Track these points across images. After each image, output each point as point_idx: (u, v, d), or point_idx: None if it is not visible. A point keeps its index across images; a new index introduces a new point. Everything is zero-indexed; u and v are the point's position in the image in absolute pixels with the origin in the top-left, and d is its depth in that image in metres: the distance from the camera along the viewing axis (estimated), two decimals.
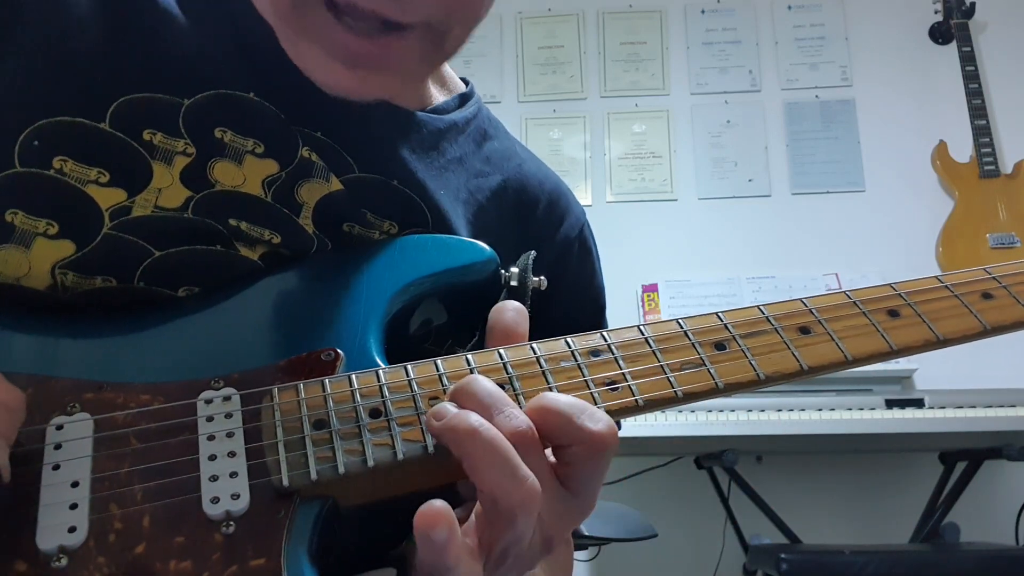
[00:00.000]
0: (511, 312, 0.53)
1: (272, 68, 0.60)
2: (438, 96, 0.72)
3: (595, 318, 0.75)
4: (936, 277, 0.56)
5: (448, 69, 0.75)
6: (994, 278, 0.56)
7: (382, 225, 0.61)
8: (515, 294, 0.61)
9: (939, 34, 3.09)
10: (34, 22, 0.55)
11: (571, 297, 0.72)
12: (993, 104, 2.99)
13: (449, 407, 0.45)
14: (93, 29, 0.56)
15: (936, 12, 3.09)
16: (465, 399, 0.45)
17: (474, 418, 0.44)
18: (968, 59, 2.95)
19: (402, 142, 0.64)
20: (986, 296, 0.55)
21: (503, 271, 0.61)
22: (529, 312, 0.60)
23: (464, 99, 0.73)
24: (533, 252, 0.64)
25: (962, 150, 2.96)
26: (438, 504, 0.42)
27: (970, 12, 3.01)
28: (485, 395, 0.45)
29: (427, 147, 0.66)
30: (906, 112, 3.04)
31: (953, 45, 3.00)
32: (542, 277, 0.62)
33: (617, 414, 0.49)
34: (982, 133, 2.92)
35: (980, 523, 2.48)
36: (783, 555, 1.99)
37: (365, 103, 0.62)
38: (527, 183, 0.72)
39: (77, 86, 0.54)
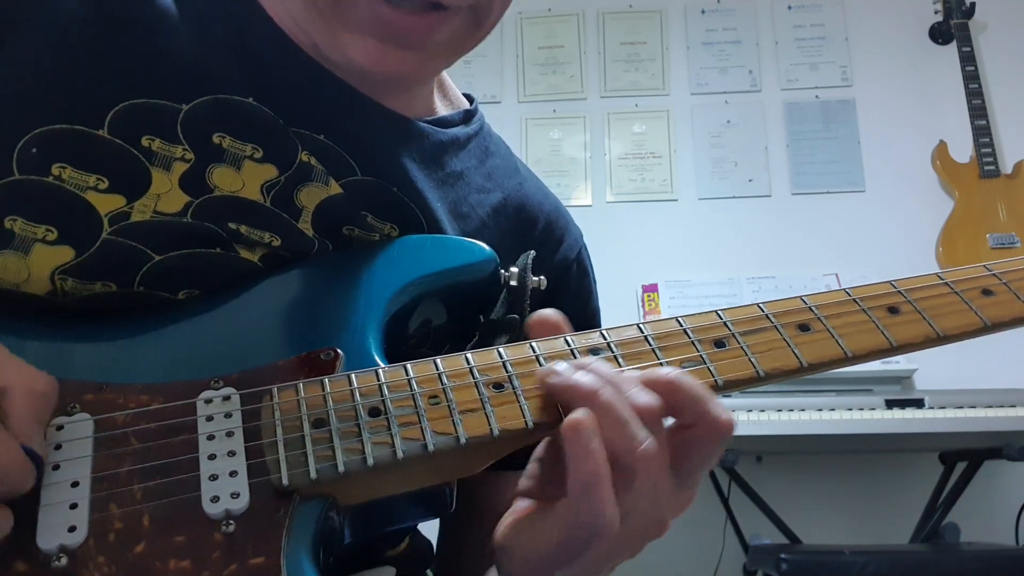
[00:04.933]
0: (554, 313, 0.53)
1: (275, 70, 0.60)
2: (441, 108, 0.72)
3: None
4: (936, 274, 0.56)
5: (451, 83, 0.76)
6: (994, 275, 0.56)
7: (383, 228, 0.61)
8: (515, 294, 0.61)
9: (939, 34, 3.09)
10: (31, 29, 0.55)
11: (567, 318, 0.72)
12: (993, 104, 2.99)
13: (567, 366, 0.46)
14: (91, 36, 0.56)
15: (936, 12, 3.09)
16: (588, 369, 0.46)
17: (593, 377, 0.45)
18: (968, 59, 2.95)
19: (404, 150, 0.64)
20: (986, 292, 0.55)
21: (503, 271, 0.61)
22: (528, 313, 0.60)
23: (468, 115, 0.73)
24: (532, 252, 0.64)
25: (962, 150, 2.96)
26: (579, 411, 0.43)
27: (970, 12, 3.01)
28: (610, 372, 0.46)
29: (428, 159, 0.66)
30: (906, 112, 3.04)
31: (953, 45, 3.00)
32: (542, 277, 0.62)
33: None
34: (982, 133, 2.92)
35: (980, 523, 2.48)
36: (783, 555, 1.99)
37: (373, 108, 0.62)
38: (527, 202, 0.72)
39: (75, 93, 0.54)
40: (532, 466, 0.51)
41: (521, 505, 0.49)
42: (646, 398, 0.45)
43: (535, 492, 0.49)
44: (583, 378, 0.45)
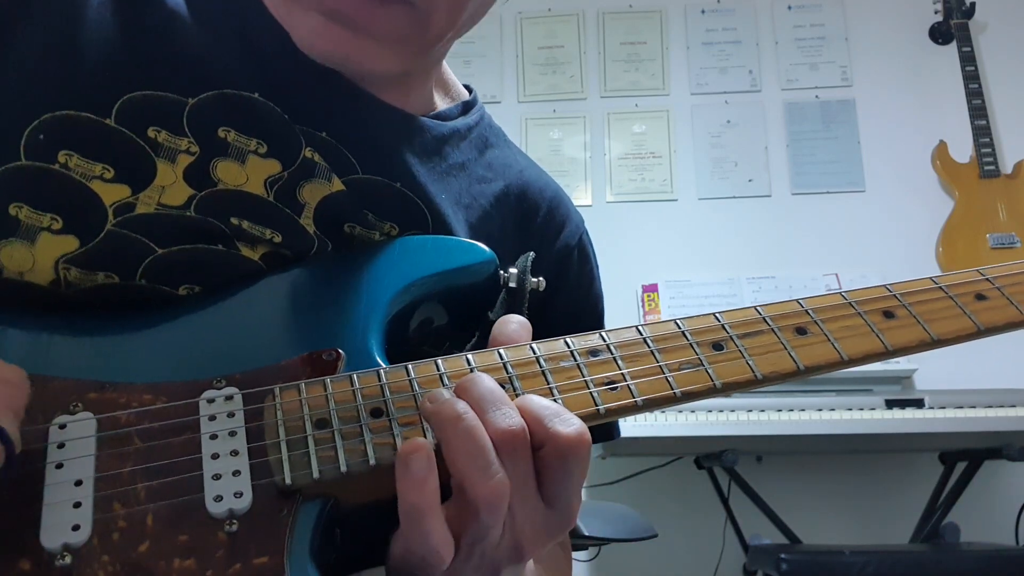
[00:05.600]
0: (514, 324, 0.53)
1: (280, 68, 0.61)
2: (441, 103, 0.72)
3: (593, 326, 0.76)
4: (930, 278, 0.57)
5: (451, 76, 0.76)
6: (988, 279, 0.57)
7: (383, 226, 0.62)
8: (514, 295, 0.61)
9: (939, 34, 3.09)
10: (42, 16, 0.55)
11: (570, 304, 0.72)
12: (993, 104, 2.99)
13: (444, 393, 0.46)
14: (101, 25, 0.56)
15: (936, 12, 3.10)
16: (463, 393, 0.46)
17: (461, 406, 0.45)
18: (968, 59, 2.95)
19: (406, 145, 0.65)
20: (980, 297, 0.56)
21: (502, 272, 0.61)
22: (528, 314, 0.61)
23: (467, 107, 0.74)
24: (532, 253, 0.64)
25: (962, 150, 2.96)
26: (421, 439, 0.43)
27: (970, 12, 3.01)
28: (484, 392, 0.46)
29: (430, 152, 0.66)
30: (906, 112, 3.05)
31: (953, 45, 3.00)
32: (541, 278, 0.63)
33: (616, 413, 0.50)
34: (982, 133, 2.92)
35: (980, 523, 2.48)
36: (783, 555, 1.99)
37: (375, 106, 0.62)
38: (528, 190, 0.73)
39: (84, 81, 0.55)
40: None
41: None
42: (509, 423, 0.44)
43: None
44: (446, 408, 0.45)
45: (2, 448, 0.42)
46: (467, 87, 0.77)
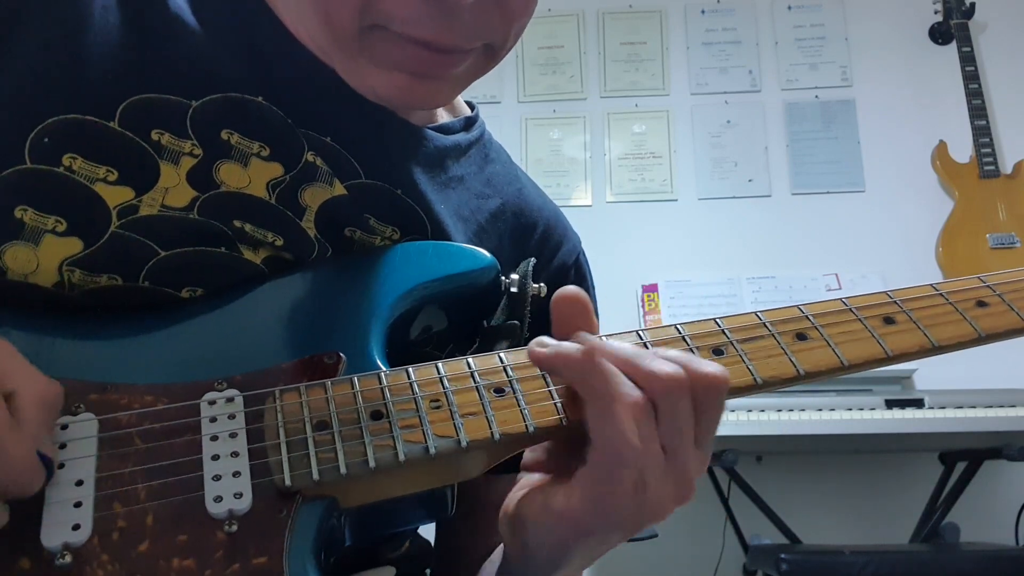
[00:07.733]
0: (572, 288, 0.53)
1: (284, 72, 0.61)
2: (443, 115, 0.73)
3: None
4: (931, 285, 0.57)
5: None
6: (988, 286, 0.57)
7: (384, 231, 0.62)
8: (515, 301, 0.61)
9: (939, 34, 3.09)
10: (45, 20, 0.56)
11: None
12: (993, 104, 2.99)
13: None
14: (105, 29, 0.56)
15: (936, 12, 3.09)
16: (604, 353, 0.47)
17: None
18: (968, 59, 2.95)
19: (408, 155, 0.65)
20: (980, 304, 0.56)
21: (503, 278, 0.61)
22: (529, 319, 0.61)
23: (470, 122, 0.74)
24: (533, 259, 0.64)
25: (962, 150, 2.96)
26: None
27: (970, 12, 3.01)
28: (629, 349, 0.47)
29: (431, 163, 0.67)
30: (906, 112, 3.04)
31: (953, 45, 3.00)
32: (542, 284, 0.63)
33: None
34: (982, 133, 2.92)
35: (980, 523, 2.48)
36: (783, 555, 1.99)
37: (379, 113, 0.63)
38: (525, 208, 0.73)
39: (88, 85, 0.55)
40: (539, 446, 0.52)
41: (534, 477, 0.51)
42: (669, 368, 0.46)
43: (546, 465, 0.51)
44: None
45: (43, 474, 0.43)
46: (469, 103, 0.77)
